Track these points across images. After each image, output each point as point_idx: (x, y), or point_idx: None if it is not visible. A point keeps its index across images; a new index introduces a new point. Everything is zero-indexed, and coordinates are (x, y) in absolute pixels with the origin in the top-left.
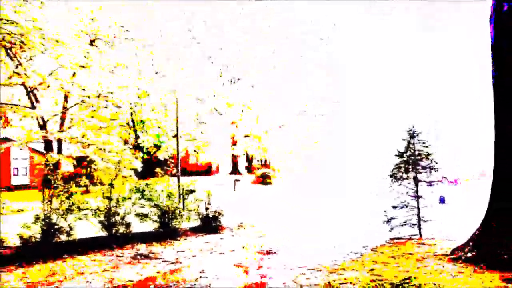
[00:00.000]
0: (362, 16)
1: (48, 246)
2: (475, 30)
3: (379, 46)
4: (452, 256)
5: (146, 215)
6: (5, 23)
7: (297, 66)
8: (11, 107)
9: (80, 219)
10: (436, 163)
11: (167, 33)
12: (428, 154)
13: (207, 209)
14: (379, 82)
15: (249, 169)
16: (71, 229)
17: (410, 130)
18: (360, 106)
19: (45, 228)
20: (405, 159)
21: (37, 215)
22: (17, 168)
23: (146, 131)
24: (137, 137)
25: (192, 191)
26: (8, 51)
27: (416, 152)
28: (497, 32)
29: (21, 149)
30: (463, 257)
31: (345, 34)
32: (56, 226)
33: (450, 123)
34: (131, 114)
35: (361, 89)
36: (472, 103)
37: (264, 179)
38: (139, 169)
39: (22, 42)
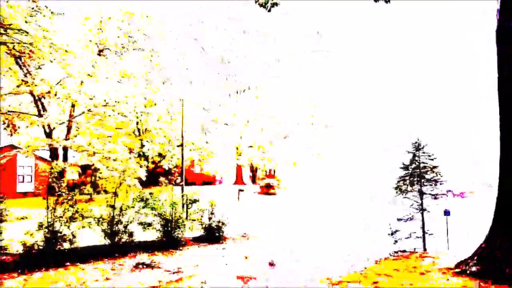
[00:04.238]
0: (364, 21)
1: (50, 253)
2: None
3: (384, 52)
4: (456, 270)
5: (149, 224)
6: (16, 33)
7: (302, 75)
8: (19, 115)
9: (83, 227)
10: (441, 175)
11: (175, 42)
12: (434, 167)
13: (210, 219)
14: (381, 90)
15: (253, 179)
16: (74, 237)
17: (416, 142)
18: (363, 114)
19: (48, 235)
20: (410, 171)
21: (41, 222)
22: (22, 175)
23: (152, 140)
24: (142, 146)
25: (195, 201)
26: (18, 59)
27: (421, 165)
28: (502, 45)
29: (27, 157)
30: (468, 271)
31: (348, 39)
32: (59, 234)
33: (458, 135)
34: (137, 123)
35: (364, 96)
36: (481, 116)
37: (268, 190)
38: (143, 178)
39: (31, 51)
